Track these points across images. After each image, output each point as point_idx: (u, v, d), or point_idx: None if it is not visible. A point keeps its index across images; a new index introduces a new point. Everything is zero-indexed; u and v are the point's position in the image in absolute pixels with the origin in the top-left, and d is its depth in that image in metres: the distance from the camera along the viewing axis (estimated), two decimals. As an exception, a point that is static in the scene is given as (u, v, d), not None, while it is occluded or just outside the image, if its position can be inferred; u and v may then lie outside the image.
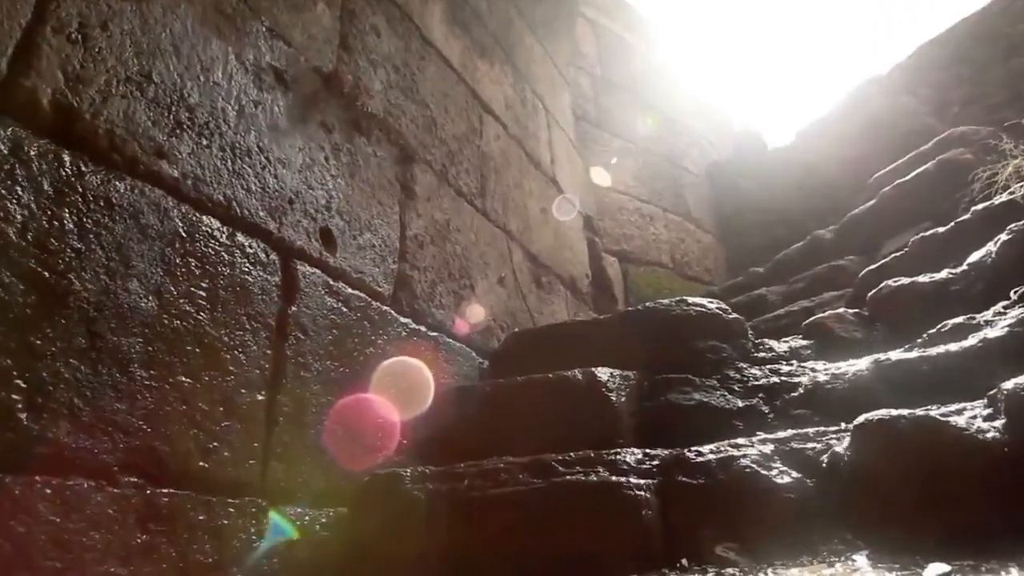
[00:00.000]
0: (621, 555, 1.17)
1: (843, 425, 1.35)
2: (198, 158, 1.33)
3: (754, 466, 1.23)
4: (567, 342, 2.07)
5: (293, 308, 1.46)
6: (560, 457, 1.35)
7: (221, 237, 1.33)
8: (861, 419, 1.13)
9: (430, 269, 2.05)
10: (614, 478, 1.24)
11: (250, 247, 1.39)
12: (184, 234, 1.25)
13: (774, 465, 1.24)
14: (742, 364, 1.90)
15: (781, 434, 1.34)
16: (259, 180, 1.47)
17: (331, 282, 1.59)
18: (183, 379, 1.17)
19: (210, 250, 1.29)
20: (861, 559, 0.96)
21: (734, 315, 2.05)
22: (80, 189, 1.08)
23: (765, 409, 1.69)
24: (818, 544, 1.08)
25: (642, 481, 1.25)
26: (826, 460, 1.22)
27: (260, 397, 1.32)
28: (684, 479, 1.28)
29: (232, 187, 1.39)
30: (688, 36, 6.07)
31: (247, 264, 1.37)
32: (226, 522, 1.18)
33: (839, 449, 1.20)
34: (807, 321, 2.23)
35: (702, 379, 1.79)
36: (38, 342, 0.96)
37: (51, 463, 0.94)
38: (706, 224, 5.19)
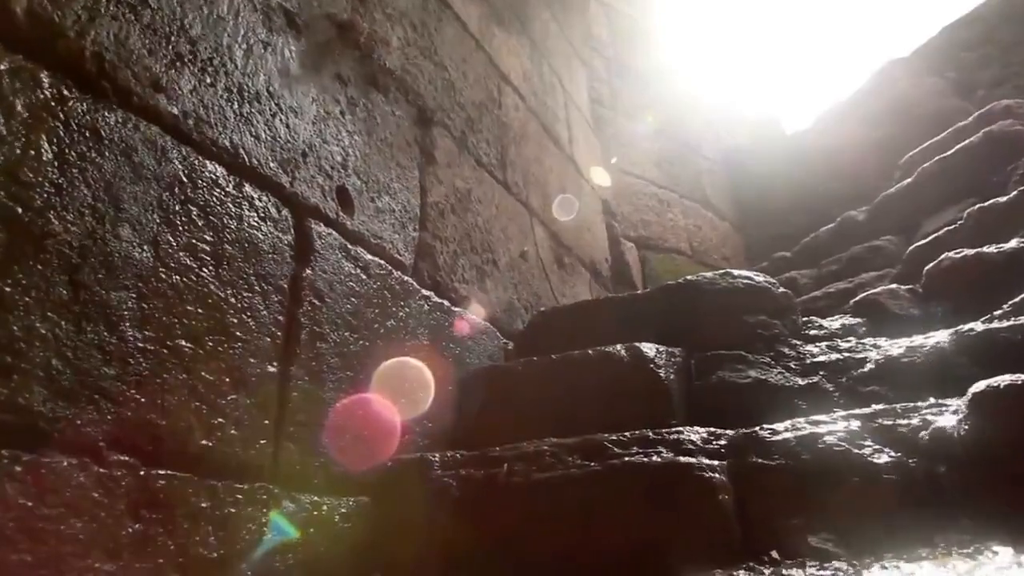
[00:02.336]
0: (695, 546, 1.00)
1: (932, 400, 1.19)
2: (201, 97, 1.16)
3: (844, 444, 1.07)
4: (600, 319, 1.90)
5: (308, 271, 1.29)
6: (613, 437, 1.19)
7: (227, 186, 1.16)
8: (980, 386, 0.96)
9: (452, 240, 1.88)
10: (682, 459, 1.07)
11: (259, 200, 1.23)
12: (185, 179, 1.08)
13: (865, 443, 1.08)
14: (795, 341, 1.74)
15: (865, 409, 1.18)
16: (269, 128, 1.30)
17: (348, 246, 1.43)
18: (183, 343, 1.00)
19: (214, 199, 1.13)
20: (1004, 551, 0.79)
21: (783, 289, 1.89)
22: (62, 116, 0.91)
23: (829, 387, 1.52)
24: (932, 534, 0.92)
25: (715, 462, 1.08)
26: (927, 436, 1.05)
27: (271, 368, 1.15)
28: (760, 460, 1.11)
29: (239, 133, 1.22)
30: (702, 20, 5.90)
31: (256, 218, 1.20)
32: (233, 510, 1.02)
33: (945, 423, 1.04)
34: (857, 298, 2.07)
35: (755, 356, 1.63)
36: (8, 289, 0.79)
37: (22, 435, 0.77)
38: (723, 211, 5.03)
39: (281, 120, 1.35)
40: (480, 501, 1.20)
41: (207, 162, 1.14)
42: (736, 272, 1.87)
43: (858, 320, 1.92)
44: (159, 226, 1.01)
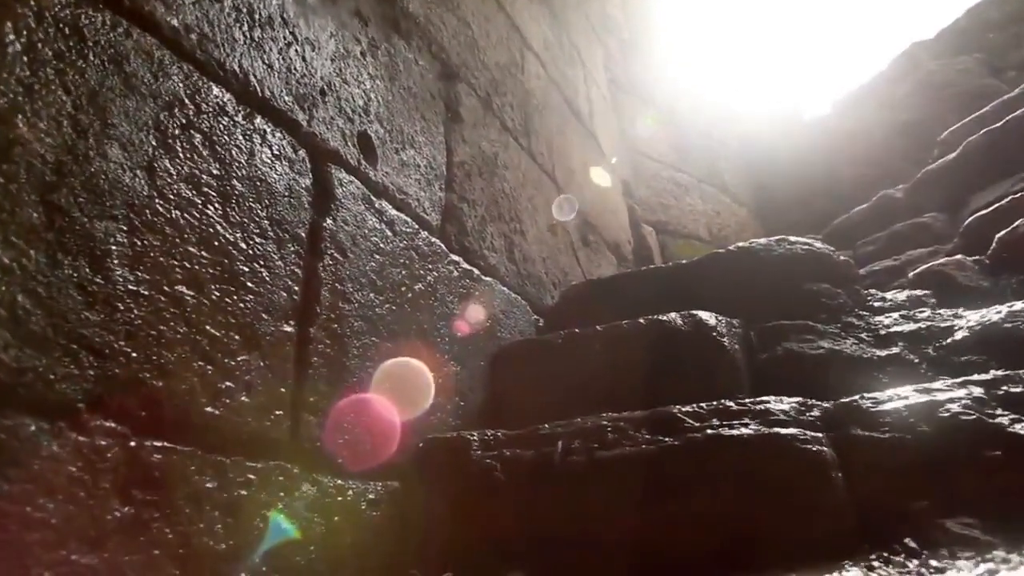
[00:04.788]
0: (805, 531, 0.83)
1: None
2: (205, 11, 0.99)
3: (972, 413, 0.90)
4: (642, 291, 1.73)
5: (328, 221, 1.12)
6: (687, 409, 1.02)
7: (236, 116, 0.99)
8: None
9: (479, 204, 1.71)
10: (782, 431, 0.90)
11: (273, 135, 1.06)
12: (186, 100, 0.91)
13: (997, 412, 0.91)
14: (862, 312, 1.57)
15: (983, 376, 1.01)
16: (283, 58, 1.13)
17: (372, 197, 1.26)
18: (184, 290, 0.83)
19: (221, 127, 0.95)
20: None
21: (844, 257, 1.72)
22: (33, 5, 0.74)
23: (912, 358, 1.35)
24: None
25: (819, 434, 0.91)
26: (1075, 404, 0.88)
27: (287, 328, 0.98)
28: (865, 433, 0.94)
29: (250, 58, 1.05)
30: (718, 4, 5.73)
31: (269, 155, 1.03)
32: (244, 493, 0.84)
33: (1098, 388, 0.87)
34: (918, 271, 1.90)
35: (824, 327, 1.46)
36: (-40, 204, 0.62)
37: (-23, 387, 0.60)
38: (742, 197, 4.86)
39: (296, 51, 1.17)
40: (531, 485, 1.03)
41: (212, 85, 0.96)
42: (793, 238, 1.70)
43: (924, 292, 1.75)
44: (155, 150, 0.84)
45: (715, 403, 1.02)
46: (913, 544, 0.76)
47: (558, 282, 2.10)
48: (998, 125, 2.68)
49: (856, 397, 1.00)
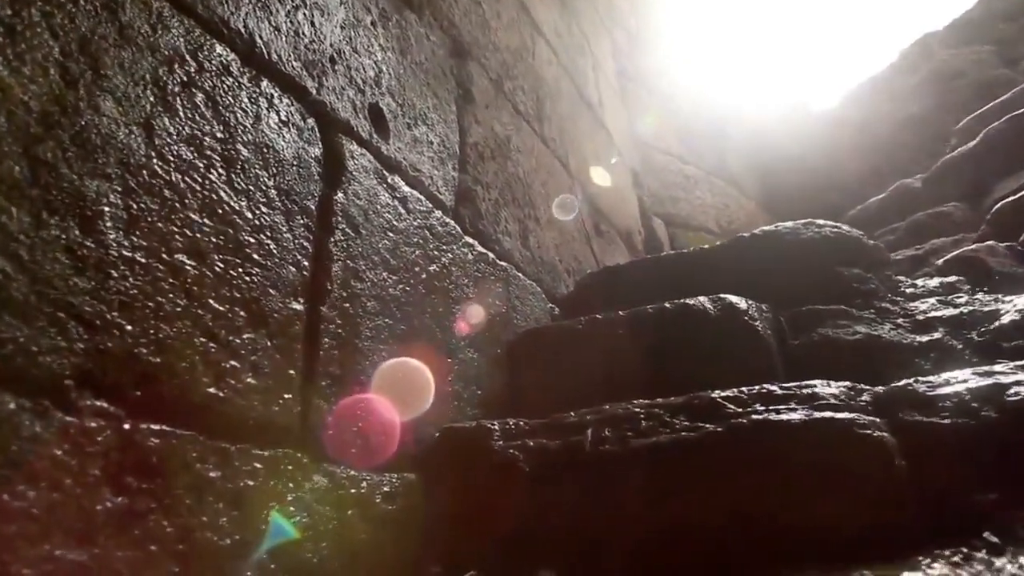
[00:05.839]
0: (862, 524, 0.76)
1: None
2: (205, -35, 0.92)
3: (1046, 396, 0.82)
4: (663, 278, 1.65)
5: (339, 195, 1.04)
6: (727, 394, 0.94)
7: (241, 77, 0.92)
8: None
9: (493, 187, 1.64)
10: (838, 415, 0.83)
11: (280, 101, 0.98)
12: (188, 56, 0.84)
13: (1071, 396, 0.83)
14: (896, 297, 1.50)
15: (1047, 359, 0.93)
16: (291, 21, 1.06)
17: (385, 172, 1.18)
18: (184, 259, 0.75)
19: (225, 87, 0.88)
20: None
21: (874, 241, 1.65)
22: (18, -59, 0.67)
23: (955, 343, 1.28)
24: None
25: (877, 419, 0.84)
26: None
27: (297, 306, 0.90)
28: (923, 419, 0.86)
29: (256, 19, 0.98)
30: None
31: (276, 121, 0.96)
32: (251, 483, 0.77)
33: None
34: (946, 257, 1.83)
35: (859, 312, 1.39)
36: (-69, 151, 0.55)
37: (-52, 357, 0.53)
38: (750, 190, 4.79)
39: (305, 15, 1.10)
40: (558, 476, 0.96)
41: (216, 43, 0.89)
42: (820, 221, 1.63)
43: (957, 278, 1.68)
44: (153, 107, 0.77)
45: (757, 387, 0.94)
46: (994, 539, 0.69)
47: (572, 270, 2.03)
48: (1021, 111, 2.61)
49: (910, 381, 0.93)
